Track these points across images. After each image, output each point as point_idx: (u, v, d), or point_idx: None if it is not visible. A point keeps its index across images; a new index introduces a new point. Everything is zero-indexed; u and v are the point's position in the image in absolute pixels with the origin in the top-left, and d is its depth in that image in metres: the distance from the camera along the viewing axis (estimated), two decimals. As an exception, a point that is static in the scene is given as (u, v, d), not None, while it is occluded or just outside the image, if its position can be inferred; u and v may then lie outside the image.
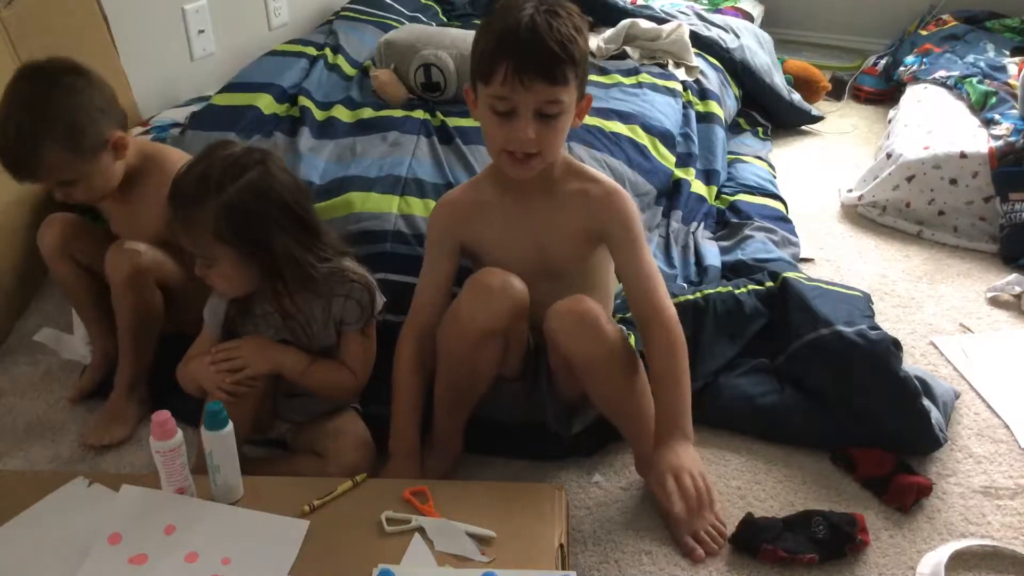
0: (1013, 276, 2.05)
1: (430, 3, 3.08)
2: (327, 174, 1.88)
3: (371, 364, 1.47)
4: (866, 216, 2.39)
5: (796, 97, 2.95)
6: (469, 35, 1.84)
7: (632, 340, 1.42)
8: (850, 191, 2.45)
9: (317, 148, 1.98)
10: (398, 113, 2.16)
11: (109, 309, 1.60)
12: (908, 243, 2.27)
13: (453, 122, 2.09)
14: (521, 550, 1.18)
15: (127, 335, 1.59)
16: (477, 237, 1.47)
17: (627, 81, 2.46)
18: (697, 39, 2.78)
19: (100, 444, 1.57)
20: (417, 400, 1.44)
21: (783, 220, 2.24)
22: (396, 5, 2.93)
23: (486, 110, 1.32)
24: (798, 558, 1.32)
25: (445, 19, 3.06)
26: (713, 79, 2.69)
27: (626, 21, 2.72)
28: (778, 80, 2.93)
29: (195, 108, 2.21)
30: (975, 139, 2.29)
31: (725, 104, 2.66)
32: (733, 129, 2.76)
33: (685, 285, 1.85)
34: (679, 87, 2.51)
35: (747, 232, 2.12)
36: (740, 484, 1.50)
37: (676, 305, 1.43)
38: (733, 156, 2.57)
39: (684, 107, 2.46)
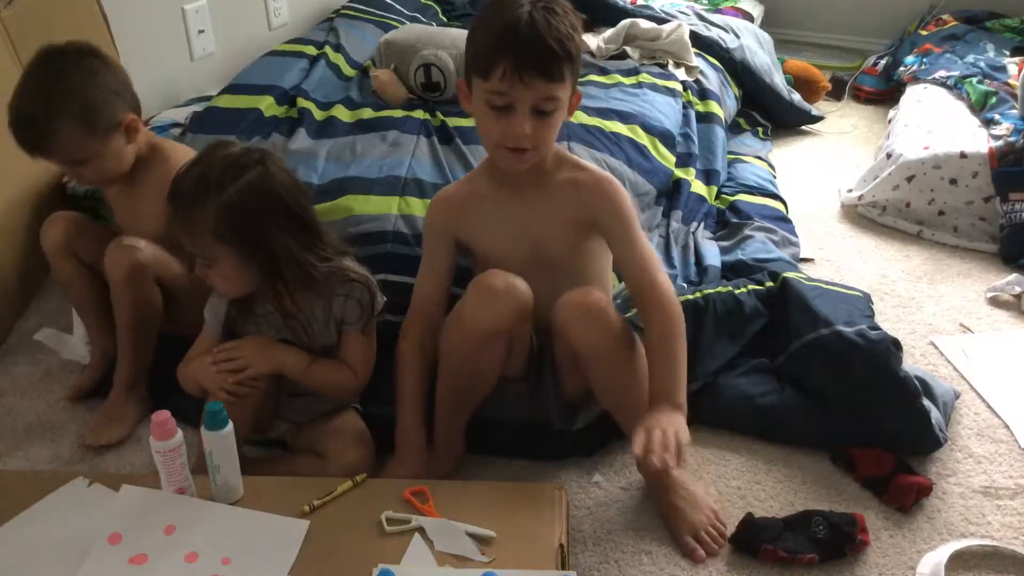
0: (1013, 276, 2.05)
1: (430, 3, 3.08)
2: (326, 174, 1.88)
3: (372, 363, 1.47)
4: (866, 216, 2.39)
5: (796, 97, 2.95)
6: (469, 35, 1.84)
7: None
8: (850, 191, 2.45)
9: (316, 148, 1.98)
10: (398, 113, 2.16)
11: (110, 308, 1.60)
12: (908, 243, 2.27)
13: (453, 122, 2.09)
14: (521, 550, 1.18)
15: (126, 333, 1.59)
16: (471, 229, 1.48)
17: (627, 81, 2.46)
18: (697, 39, 2.78)
19: (98, 444, 1.57)
20: (421, 394, 1.45)
21: (783, 220, 2.24)
22: (396, 5, 2.93)
23: (482, 105, 1.34)
24: (798, 558, 1.32)
25: (445, 19, 3.06)
26: (713, 79, 2.69)
27: (626, 21, 2.72)
28: (778, 80, 2.93)
29: (195, 108, 2.21)
30: (975, 139, 2.28)
31: (725, 104, 2.66)
32: (733, 129, 2.76)
33: (685, 285, 1.85)
34: (679, 87, 2.51)
35: (747, 232, 2.12)
36: (740, 484, 1.50)
37: (676, 305, 1.43)
38: (733, 156, 2.57)
39: (684, 107, 2.46)
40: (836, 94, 3.21)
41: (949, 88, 2.68)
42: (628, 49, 2.69)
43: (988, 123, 2.35)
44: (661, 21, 2.80)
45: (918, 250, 2.24)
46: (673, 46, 2.66)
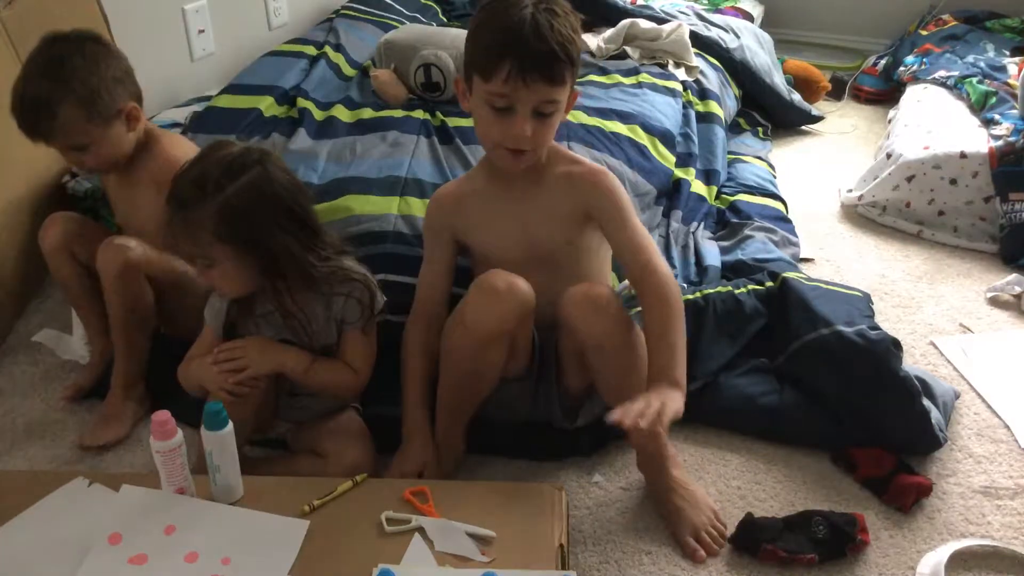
0: (1013, 276, 2.05)
1: (430, 3, 3.08)
2: (326, 174, 1.88)
3: (372, 363, 1.47)
4: (866, 216, 2.39)
5: (796, 97, 2.95)
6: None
7: None
8: (850, 191, 2.45)
9: (316, 148, 1.98)
10: (398, 113, 2.16)
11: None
12: (908, 243, 2.27)
13: (453, 122, 2.09)
14: (521, 550, 1.18)
15: (120, 332, 1.60)
16: (468, 226, 1.49)
17: (627, 81, 2.46)
18: (697, 39, 2.78)
19: (96, 445, 1.57)
20: (426, 386, 1.46)
21: (783, 220, 2.24)
22: (396, 5, 2.93)
23: (482, 104, 1.34)
24: (798, 558, 1.32)
25: (445, 19, 3.06)
26: (713, 79, 2.69)
27: (626, 21, 2.72)
28: (778, 80, 2.93)
29: (195, 108, 2.21)
30: (975, 139, 2.28)
31: (725, 104, 2.66)
32: (733, 129, 2.76)
33: (685, 285, 1.86)
34: (679, 87, 2.51)
35: (747, 232, 2.12)
36: (740, 484, 1.50)
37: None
38: (733, 156, 2.57)
39: (684, 107, 2.46)
40: (836, 94, 3.21)
41: (949, 88, 2.68)
42: (628, 49, 2.69)
43: (988, 123, 2.35)
44: (661, 21, 2.80)
45: (918, 250, 2.24)
46: (673, 46, 2.66)
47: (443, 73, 2.24)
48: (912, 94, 2.77)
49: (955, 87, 2.65)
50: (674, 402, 1.23)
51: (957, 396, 1.67)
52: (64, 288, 1.72)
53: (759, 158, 2.61)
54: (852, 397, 1.52)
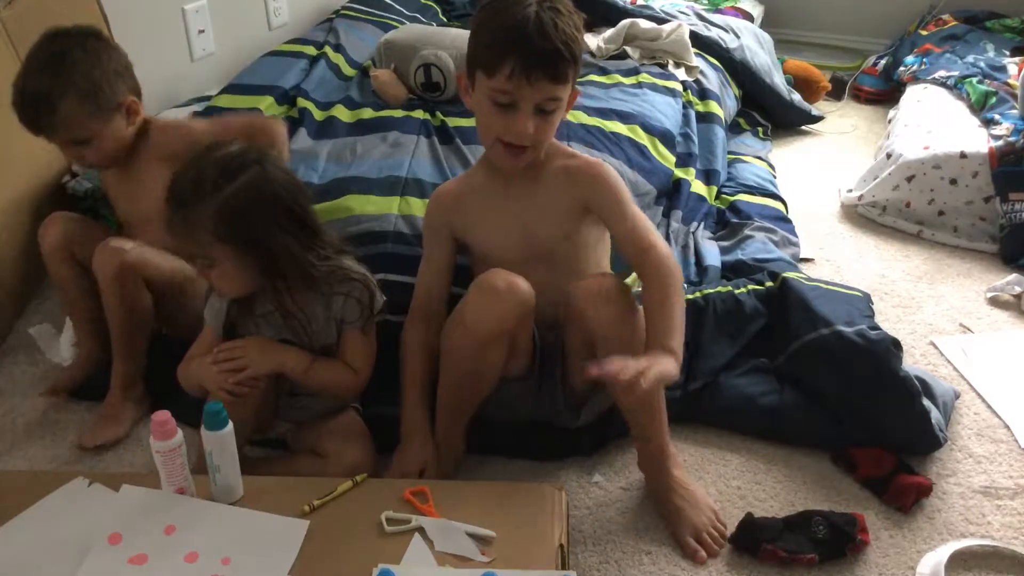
0: (1013, 276, 2.05)
1: (430, 3, 3.08)
2: (327, 174, 1.88)
3: (372, 362, 1.47)
4: (866, 216, 2.39)
5: (796, 97, 2.95)
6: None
7: None
8: (850, 191, 2.45)
9: (316, 148, 1.98)
10: (398, 113, 2.16)
11: (102, 312, 1.60)
12: (908, 243, 2.27)
13: (453, 122, 2.09)
14: (521, 550, 1.18)
15: (118, 333, 1.60)
16: (467, 224, 1.50)
17: (627, 81, 2.46)
18: (697, 39, 2.78)
19: (94, 445, 1.57)
20: (426, 385, 1.46)
21: (783, 220, 2.24)
22: (396, 5, 2.93)
23: (485, 100, 1.35)
24: (798, 558, 1.32)
25: (445, 19, 3.06)
26: (713, 79, 2.69)
27: (626, 21, 2.72)
28: (778, 80, 2.93)
29: (195, 108, 2.21)
30: (975, 139, 2.28)
31: (725, 104, 2.66)
32: (733, 129, 2.76)
33: (685, 285, 1.85)
34: (679, 87, 2.51)
35: (747, 232, 2.12)
36: (740, 484, 1.50)
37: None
38: (733, 156, 2.57)
39: (684, 107, 2.46)
40: (836, 94, 3.21)
41: (949, 88, 2.68)
42: (628, 49, 2.69)
43: (988, 123, 2.35)
44: (661, 21, 2.80)
45: (918, 250, 2.24)
46: (673, 46, 2.66)
47: (443, 73, 2.24)
48: (912, 94, 2.77)
49: (955, 87, 2.65)
50: (662, 364, 1.22)
51: (957, 396, 1.67)
52: (60, 289, 1.72)
53: (759, 158, 2.61)
54: (852, 397, 1.52)
